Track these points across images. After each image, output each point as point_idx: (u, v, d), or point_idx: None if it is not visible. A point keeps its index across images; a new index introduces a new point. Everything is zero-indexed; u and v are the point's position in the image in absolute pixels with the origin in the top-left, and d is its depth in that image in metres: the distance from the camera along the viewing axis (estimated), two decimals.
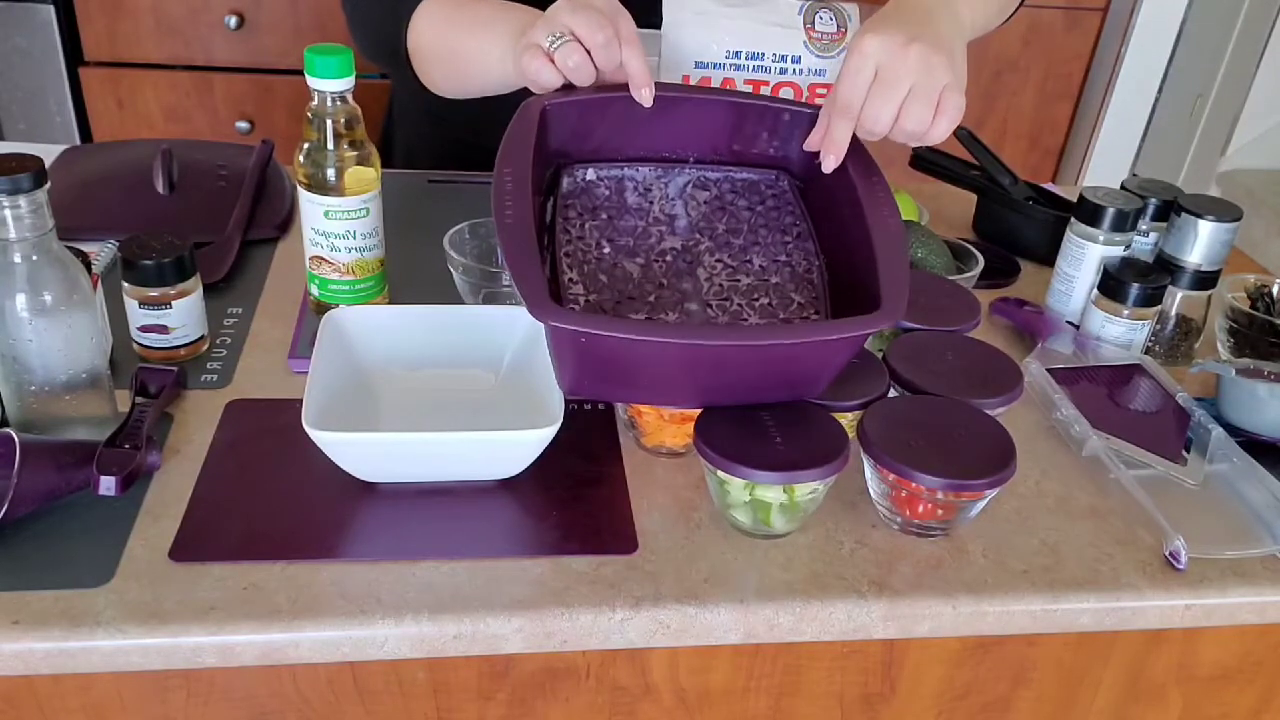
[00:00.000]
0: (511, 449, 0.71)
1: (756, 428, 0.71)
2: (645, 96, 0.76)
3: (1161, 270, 0.95)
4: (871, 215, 0.74)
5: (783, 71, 0.91)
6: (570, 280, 0.74)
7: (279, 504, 0.72)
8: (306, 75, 0.80)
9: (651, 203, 0.81)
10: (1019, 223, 1.14)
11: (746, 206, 0.82)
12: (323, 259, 0.87)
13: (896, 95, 0.72)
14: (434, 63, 0.93)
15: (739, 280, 0.77)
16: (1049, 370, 0.90)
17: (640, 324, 0.70)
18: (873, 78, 0.73)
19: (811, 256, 0.79)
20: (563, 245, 0.76)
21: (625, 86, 0.77)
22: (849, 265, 0.76)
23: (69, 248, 0.72)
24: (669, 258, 0.78)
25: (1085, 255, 0.97)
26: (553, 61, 0.75)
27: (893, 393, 0.79)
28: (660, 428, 0.77)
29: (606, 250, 0.77)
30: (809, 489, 0.69)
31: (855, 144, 0.77)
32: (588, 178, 0.80)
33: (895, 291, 0.69)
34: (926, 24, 0.76)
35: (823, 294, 0.77)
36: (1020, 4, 0.99)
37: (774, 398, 0.74)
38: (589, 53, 0.75)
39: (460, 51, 0.88)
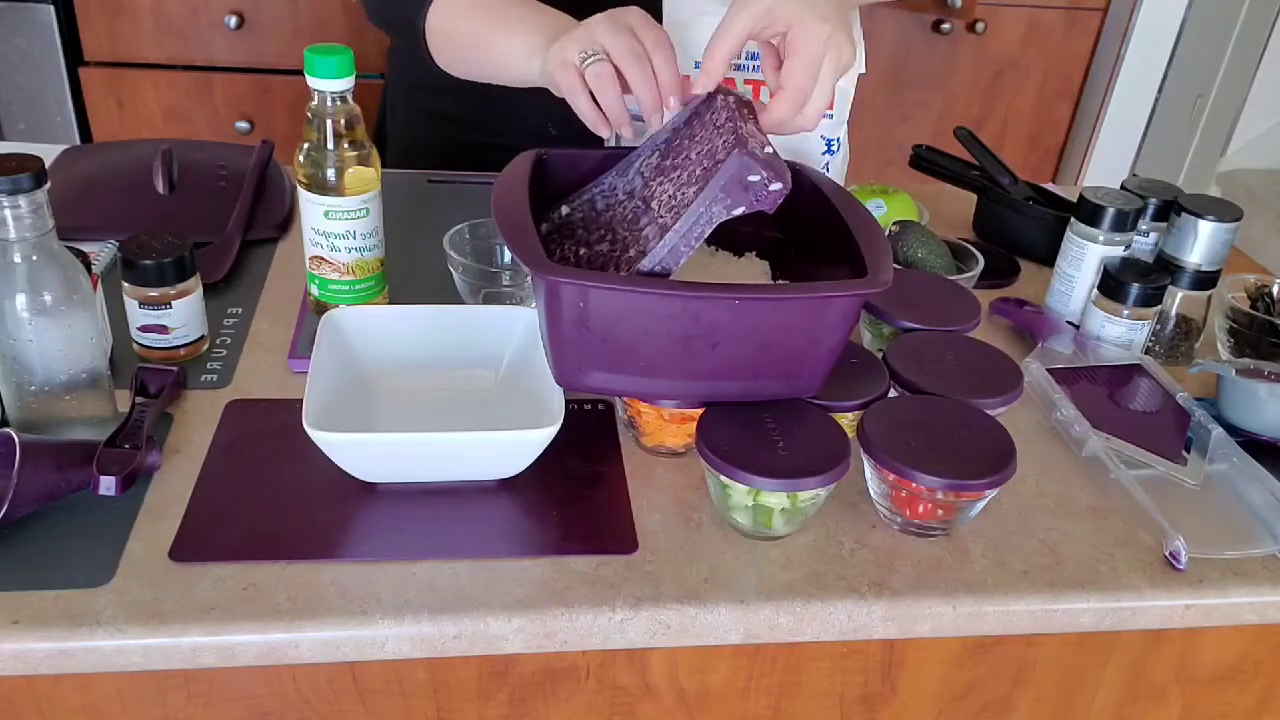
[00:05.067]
0: (511, 449, 0.71)
1: (758, 431, 0.72)
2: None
3: (1161, 270, 0.95)
4: (842, 208, 0.78)
5: None
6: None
7: (279, 504, 0.72)
8: (306, 75, 0.80)
9: (617, 194, 0.82)
10: (1019, 223, 1.14)
11: (689, 135, 0.79)
12: (323, 259, 0.87)
13: (829, 88, 0.74)
14: (453, 47, 0.93)
15: (680, 176, 0.75)
16: (1049, 370, 0.90)
17: (635, 279, 0.70)
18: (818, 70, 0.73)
19: (732, 118, 0.75)
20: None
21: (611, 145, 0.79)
22: (828, 251, 0.79)
23: (69, 248, 0.72)
24: (629, 216, 0.78)
25: (1085, 255, 0.97)
26: (583, 77, 0.76)
27: (893, 393, 0.79)
28: (660, 428, 0.77)
29: (583, 253, 0.78)
30: (811, 493, 0.69)
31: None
32: (563, 214, 0.82)
33: (880, 262, 0.72)
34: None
35: (741, 130, 0.74)
36: None
37: (771, 386, 0.73)
38: (619, 71, 0.76)
39: (484, 44, 0.89)
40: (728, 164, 0.69)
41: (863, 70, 1.09)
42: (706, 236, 0.71)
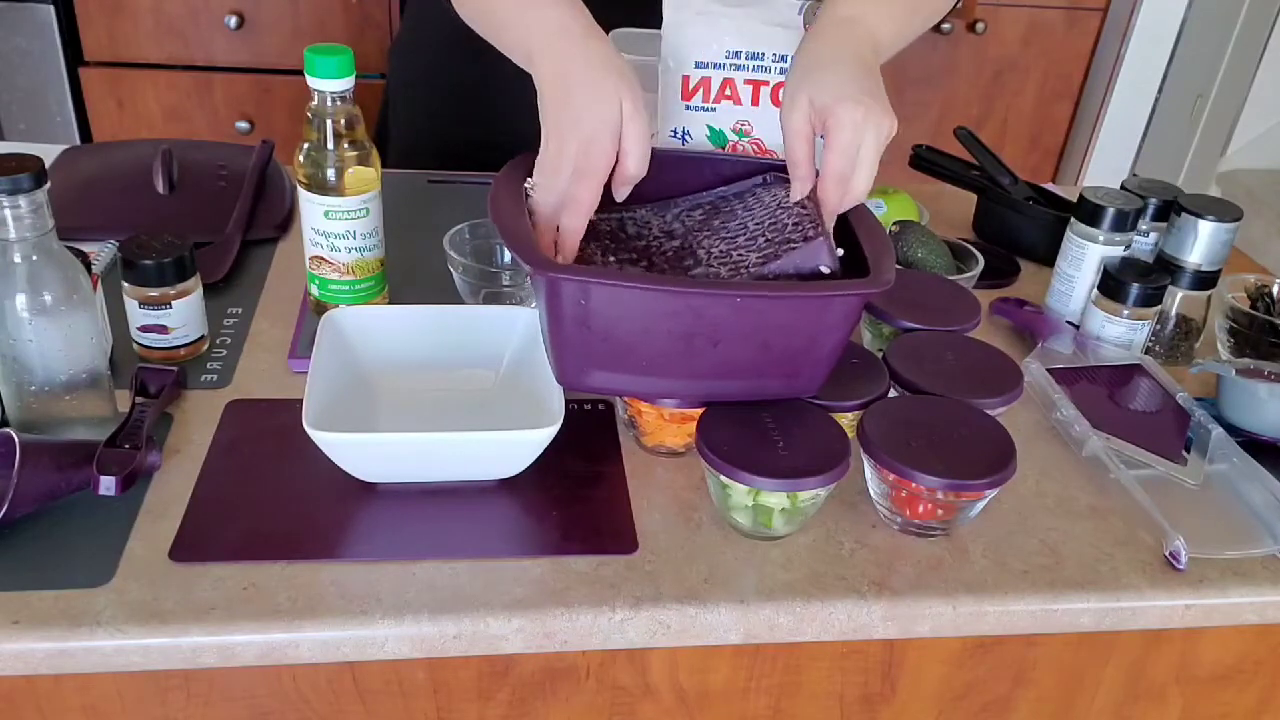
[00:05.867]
0: (511, 449, 0.71)
1: (758, 431, 0.72)
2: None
3: (1161, 270, 0.95)
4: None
5: (782, 71, 0.91)
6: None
7: (279, 504, 0.72)
8: (306, 75, 0.80)
9: (650, 229, 0.83)
10: (1019, 223, 1.14)
11: (741, 205, 0.83)
12: (323, 259, 0.87)
13: (872, 165, 0.77)
14: (468, 9, 0.90)
15: (737, 240, 0.77)
16: (1049, 370, 0.90)
17: (636, 275, 0.71)
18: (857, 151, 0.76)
19: (804, 199, 0.78)
20: None
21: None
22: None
23: (69, 248, 0.72)
24: (669, 254, 0.79)
25: (1085, 255, 0.97)
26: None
27: (893, 393, 0.79)
28: (660, 428, 0.77)
29: (611, 260, 0.78)
30: (811, 493, 0.69)
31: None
32: (617, 199, 0.81)
33: (882, 262, 0.72)
34: (867, 72, 0.78)
35: (815, 213, 0.76)
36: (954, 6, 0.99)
37: (772, 385, 0.73)
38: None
39: (496, 20, 0.87)
40: (811, 246, 0.73)
41: None
42: None
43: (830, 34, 0.80)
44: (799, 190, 0.78)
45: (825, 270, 0.73)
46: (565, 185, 0.75)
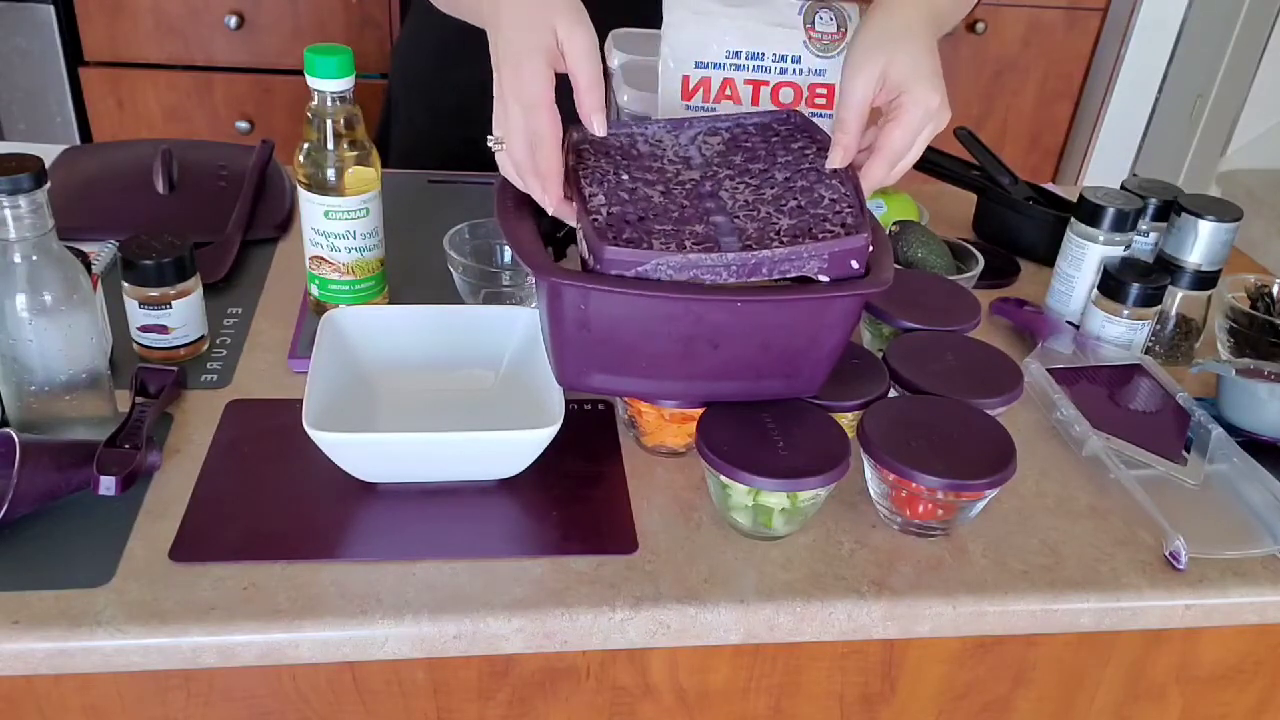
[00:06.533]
0: (511, 449, 0.71)
1: (758, 431, 0.72)
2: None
3: (1161, 270, 0.95)
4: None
5: (783, 71, 0.91)
6: (591, 194, 0.73)
7: (279, 504, 0.72)
8: (306, 75, 0.80)
9: (664, 150, 0.79)
10: (1019, 223, 1.14)
11: (761, 140, 0.80)
12: (323, 259, 0.87)
13: (920, 151, 0.77)
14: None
15: (764, 192, 0.75)
16: (1049, 370, 0.90)
17: (637, 281, 0.70)
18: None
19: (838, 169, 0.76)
20: (580, 171, 0.74)
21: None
22: None
23: (69, 248, 0.72)
24: (688, 185, 0.76)
25: (1085, 255, 0.97)
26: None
27: (893, 393, 0.79)
28: (660, 427, 0.78)
29: (625, 177, 0.75)
30: (811, 493, 0.69)
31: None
32: (598, 133, 0.78)
33: (881, 262, 0.71)
34: (936, 56, 0.76)
35: (853, 191, 0.74)
36: None
37: (772, 386, 0.73)
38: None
39: None
40: (850, 241, 0.70)
41: None
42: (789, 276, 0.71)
43: (904, 8, 0.77)
44: (838, 158, 0.75)
45: (855, 266, 0.70)
46: (523, 124, 0.71)
